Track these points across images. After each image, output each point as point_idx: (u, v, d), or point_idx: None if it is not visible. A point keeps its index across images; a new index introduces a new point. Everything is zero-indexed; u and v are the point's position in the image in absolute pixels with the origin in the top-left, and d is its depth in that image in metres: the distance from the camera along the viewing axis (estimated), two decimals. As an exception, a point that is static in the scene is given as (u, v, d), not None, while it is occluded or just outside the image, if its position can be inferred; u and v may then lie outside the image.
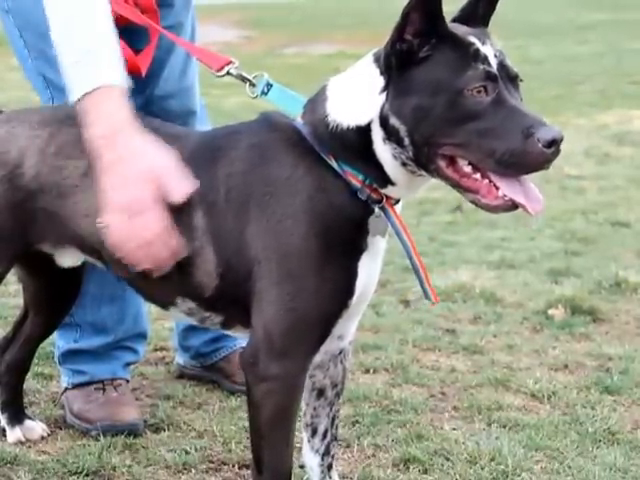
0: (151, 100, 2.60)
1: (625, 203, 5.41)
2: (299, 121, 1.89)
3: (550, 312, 3.51)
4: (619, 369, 3.02)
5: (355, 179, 1.83)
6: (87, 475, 2.28)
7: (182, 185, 1.86)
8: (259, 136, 1.91)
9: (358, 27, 16.57)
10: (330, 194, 1.83)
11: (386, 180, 1.83)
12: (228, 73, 2.08)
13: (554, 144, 1.67)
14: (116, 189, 1.85)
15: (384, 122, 1.76)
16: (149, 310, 3.02)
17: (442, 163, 1.75)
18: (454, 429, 2.60)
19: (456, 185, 1.78)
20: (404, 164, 1.79)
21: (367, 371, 2.97)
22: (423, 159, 1.76)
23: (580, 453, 2.46)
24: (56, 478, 2.27)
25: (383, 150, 1.79)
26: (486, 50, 1.74)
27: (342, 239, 1.84)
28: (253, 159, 1.88)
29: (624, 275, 3.87)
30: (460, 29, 1.78)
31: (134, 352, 2.73)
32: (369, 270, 1.91)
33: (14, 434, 2.46)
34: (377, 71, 1.78)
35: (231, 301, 1.93)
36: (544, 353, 3.17)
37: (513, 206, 1.74)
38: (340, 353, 2.10)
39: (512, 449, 2.43)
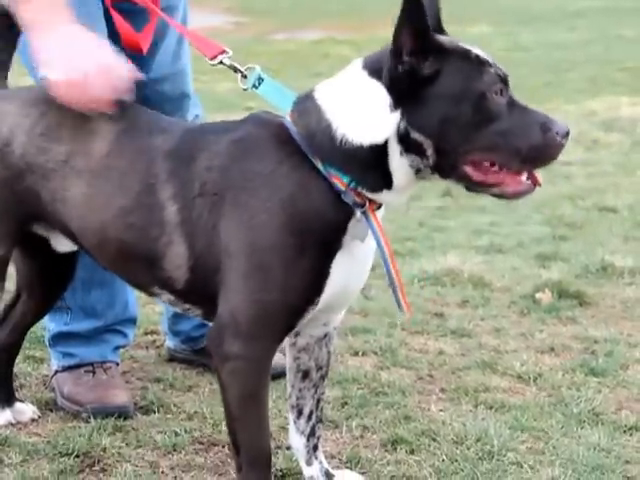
0: (144, 83, 2.60)
1: (613, 189, 5.44)
2: (287, 120, 1.89)
3: (537, 296, 3.53)
4: (604, 352, 3.05)
5: (340, 181, 1.83)
6: (77, 456, 2.30)
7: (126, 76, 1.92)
8: (244, 132, 1.91)
9: (348, 13, 16.55)
10: (312, 194, 1.83)
11: (385, 186, 1.83)
12: (221, 62, 2.09)
13: (568, 135, 1.79)
14: (73, 54, 1.89)
15: (403, 137, 1.78)
16: (139, 294, 3.03)
17: (468, 168, 1.80)
18: (441, 411, 2.62)
19: (481, 184, 1.82)
20: (418, 171, 1.82)
21: (356, 354, 3.00)
22: (447, 167, 1.80)
23: (565, 433, 2.49)
24: (46, 459, 2.29)
25: (399, 162, 1.81)
26: (482, 54, 1.81)
27: (316, 240, 1.84)
28: (234, 154, 1.89)
29: (610, 260, 3.90)
30: (443, 39, 1.81)
31: (124, 336, 2.74)
32: (346, 269, 1.90)
33: (4, 416, 2.47)
34: (379, 86, 1.79)
35: (203, 295, 1.95)
36: (531, 336, 3.20)
37: (533, 187, 1.83)
38: (325, 337, 2.12)
39: (498, 430, 2.46)
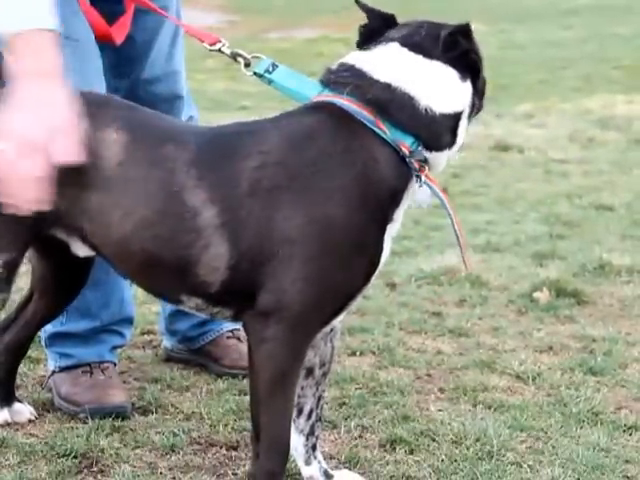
0: (137, 84, 2.59)
1: (609, 187, 5.45)
2: (336, 100, 1.93)
3: (535, 295, 3.53)
4: (603, 350, 3.05)
5: (405, 147, 1.93)
6: (75, 457, 2.28)
7: (73, 149, 1.85)
8: (296, 124, 1.94)
9: (342, 11, 16.52)
10: (381, 163, 1.93)
11: (449, 145, 1.99)
12: (219, 50, 2.10)
13: None
14: (21, 121, 1.82)
15: (473, 103, 2.02)
16: (135, 294, 3.03)
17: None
18: (440, 410, 2.62)
19: None
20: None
21: (354, 354, 2.99)
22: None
23: (564, 433, 2.49)
24: (44, 460, 2.27)
25: (465, 122, 2.02)
26: None
27: (380, 212, 1.94)
28: (292, 146, 1.91)
29: (608, 258, 3.90)
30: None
31: (121, 336, 2.73)
32: (387, 247, 1.99)
33: (1, 415, 2.45)
34: (442, 64, 1.96)
35: (240, 292, 1.93)
36: (529, 335, 3.20)
37: None
38: (331, 331, 2.12)
39: (497, 430, 2.45)
